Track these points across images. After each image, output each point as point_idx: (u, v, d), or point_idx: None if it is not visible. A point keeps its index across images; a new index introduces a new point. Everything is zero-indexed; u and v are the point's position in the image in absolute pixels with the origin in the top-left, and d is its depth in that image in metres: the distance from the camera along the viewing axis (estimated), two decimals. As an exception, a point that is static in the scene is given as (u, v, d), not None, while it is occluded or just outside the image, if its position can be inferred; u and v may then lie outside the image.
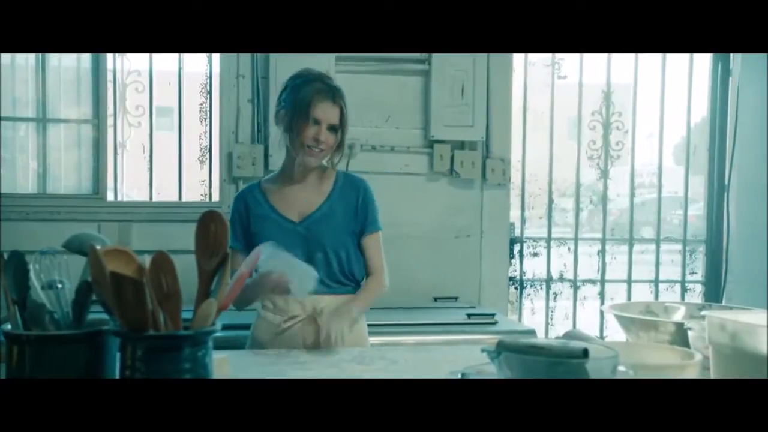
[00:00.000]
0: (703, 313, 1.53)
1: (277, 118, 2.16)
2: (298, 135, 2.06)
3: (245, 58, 3.38)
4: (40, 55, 3.38)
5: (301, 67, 2.17)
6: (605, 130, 3.87)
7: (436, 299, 3.46)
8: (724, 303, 3.73)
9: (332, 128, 2.08)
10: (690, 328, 1.52)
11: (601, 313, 3.91)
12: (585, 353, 1.15)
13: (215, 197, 3.50)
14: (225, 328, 1.21)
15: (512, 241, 3.75)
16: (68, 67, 3.49)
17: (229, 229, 2.11)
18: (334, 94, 2.08)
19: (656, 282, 3.99)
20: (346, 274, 2.14)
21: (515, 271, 3.83)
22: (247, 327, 2.18)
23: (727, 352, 1.38)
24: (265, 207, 2.14)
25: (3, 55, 3.29)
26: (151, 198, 3.55)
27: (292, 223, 2.12)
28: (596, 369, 1.17)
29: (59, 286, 1.24)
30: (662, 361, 1.45)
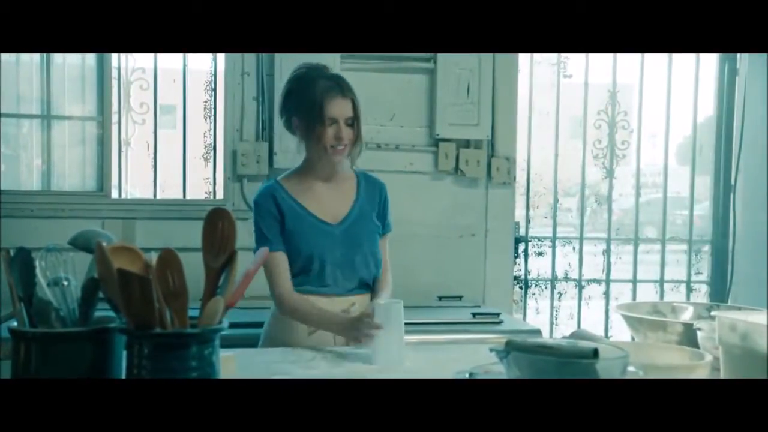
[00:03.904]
0: (712, 313, 1.52)
1: (289, 127, 2.11)
2: (320, 139, 2.02)
3: (250, 56, 3.37)
4: (44, 52, 3.38)
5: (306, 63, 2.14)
6: (611, 129, 3.86)
7: (440, 298, 3.45)
8: (730, 303, 3.72)
9: (350, 122, 2.05)
10: (699, 329, 1.51)
11: (606, 313, 3.90)
12: (595, 353, 1.14)
13: (219, 195, 3.50)
14: (232, 326, 1.21)
15: (517, 241, 3.74)
16: (73, 64, 3.49)
17: (263, 233, 2.06)
18: (342, 87, 2.04)
19: (661, 282, 3.97)
20: (378, 275, 2.15)
21: (520, 270, 3.82)
22: (254, 325, 2.17)
23: (738, 352, 1.37)
24: (296, 206, 2.08)
25: (7, 52, 3.29)
26: (155, 195, 3.54)
27: (330, 225, 2.09)
28: (606, 369, 1.16)
29: (65, 283, 1.24)
30: (672, 362, 1.44)
